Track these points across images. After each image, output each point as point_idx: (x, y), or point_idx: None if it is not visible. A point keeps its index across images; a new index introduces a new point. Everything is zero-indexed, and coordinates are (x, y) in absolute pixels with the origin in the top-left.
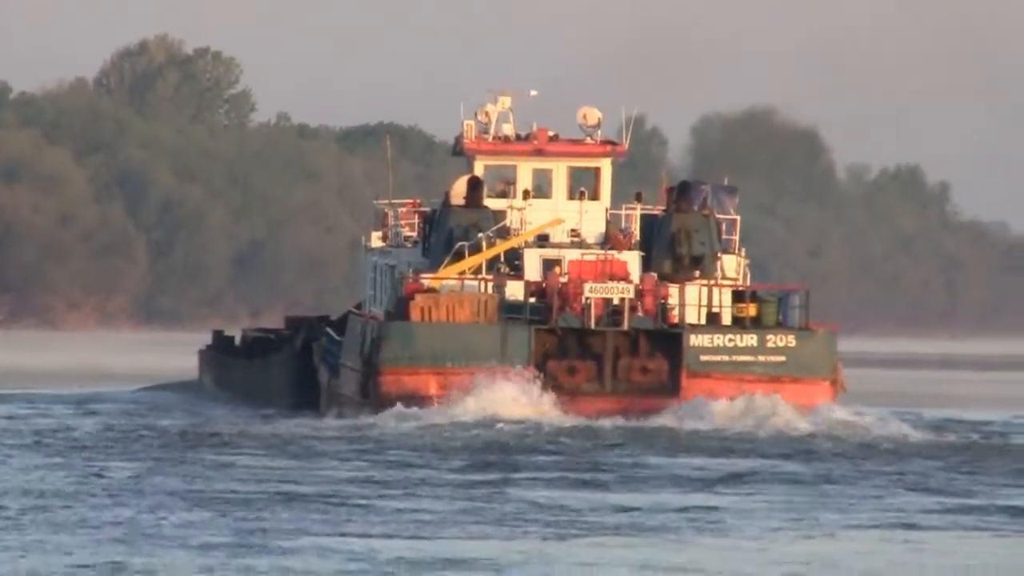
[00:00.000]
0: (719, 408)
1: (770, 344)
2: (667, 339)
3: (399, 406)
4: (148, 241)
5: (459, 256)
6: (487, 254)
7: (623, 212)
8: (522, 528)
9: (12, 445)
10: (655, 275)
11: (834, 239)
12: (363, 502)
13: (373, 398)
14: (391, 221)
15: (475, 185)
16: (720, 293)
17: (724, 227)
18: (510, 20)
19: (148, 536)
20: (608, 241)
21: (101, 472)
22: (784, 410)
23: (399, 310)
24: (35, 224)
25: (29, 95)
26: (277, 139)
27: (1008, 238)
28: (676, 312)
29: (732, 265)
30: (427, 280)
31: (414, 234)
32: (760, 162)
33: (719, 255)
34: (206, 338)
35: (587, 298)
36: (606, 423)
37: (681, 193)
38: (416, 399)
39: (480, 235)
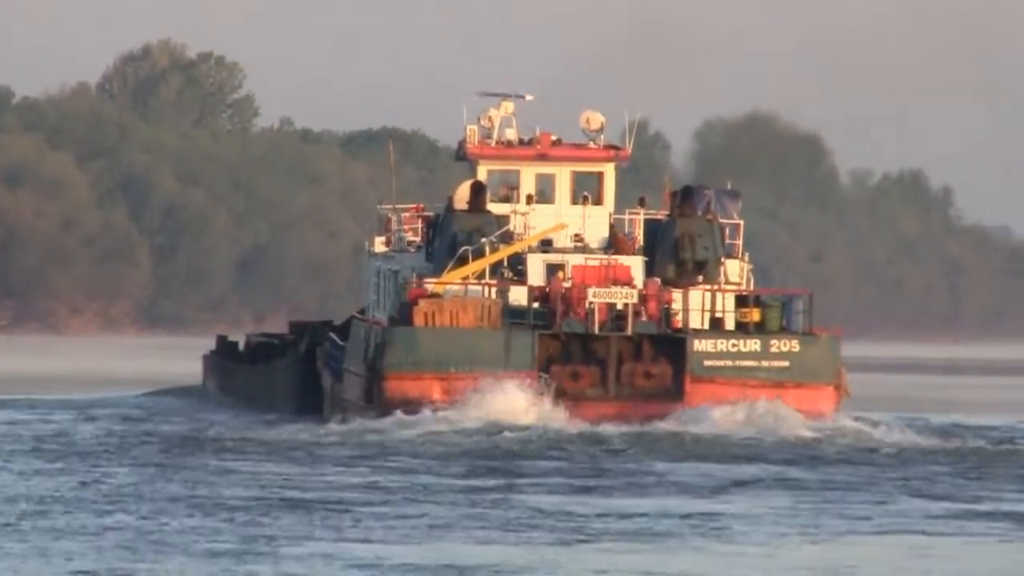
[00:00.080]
0: (722, 413)
1: (774, 349)
2: (671, 344)
3: (402, 411)
4: (151, 246)
5: (463, 261)
6: (491, 259)
7: (626, 217)
8: (527, 534)
9: (14, 451)
10: (659, 280)
11: (837, 244)
12: (367, 508)
13: (377, 403)
14: (394, 226)
15: (478, 190)
16: (724, 298)
17: (727, 232)
18: (510, 20)
19: (151, 542)
20: (612, 246)
21: (103, 478)
22: (788, 415)
23: (403, 315)
24: (38, 229)
25: (32, 100)
26: (280, 144)
27: (1011, 242)
28: (680, 317)
29: (735, 270)
30: (431, 285)
31: (417, 239)
32: (762, 166)
33: (722, 260)
34: (210, 343)
35: (591, 303)
36: (610, 428)
37: (684, 198)
38: (420, 404)
39: (483, 240)
